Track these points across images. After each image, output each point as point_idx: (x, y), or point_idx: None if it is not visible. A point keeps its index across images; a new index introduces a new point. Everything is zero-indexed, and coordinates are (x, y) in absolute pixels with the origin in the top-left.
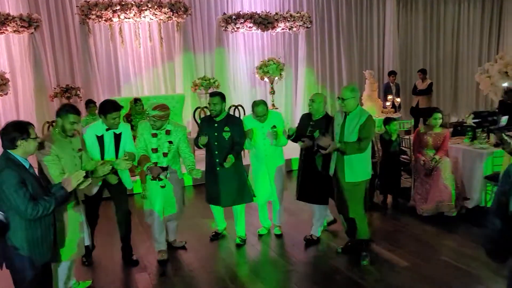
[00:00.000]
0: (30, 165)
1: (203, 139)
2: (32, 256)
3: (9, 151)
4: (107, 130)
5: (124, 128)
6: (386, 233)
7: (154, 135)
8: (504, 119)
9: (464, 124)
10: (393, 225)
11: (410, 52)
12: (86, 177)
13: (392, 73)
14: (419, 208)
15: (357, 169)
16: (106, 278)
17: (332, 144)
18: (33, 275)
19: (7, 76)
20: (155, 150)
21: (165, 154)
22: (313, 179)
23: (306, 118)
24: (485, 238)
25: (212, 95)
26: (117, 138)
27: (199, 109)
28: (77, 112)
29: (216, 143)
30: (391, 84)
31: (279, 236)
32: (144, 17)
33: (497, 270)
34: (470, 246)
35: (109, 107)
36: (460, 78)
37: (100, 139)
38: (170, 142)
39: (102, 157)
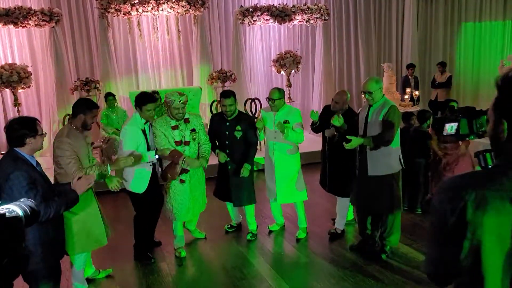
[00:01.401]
0: (37, 163)
1: (222, 157)
2: (44, 255)
3: (16, 149)
4: (145, 123)
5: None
6: (404, 226)
7: (175, 128)
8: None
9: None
10: (411, 218)
11: (429, 44)
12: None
13: (410, 66)
14: None
15: (381, 162)
16: (126, 266)
17: (356, 140)
18: (45, 274)
19: (30, 69)
20: (179, 143)
21: (187, 143)
22: (341, 171)
23: (329, 110)
24: (426, 260)
25: (226, 95)
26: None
27: (215, 102)
28: (97, 107)
29: (227, 142)
30: (410, 77)
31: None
32: (162, 10)
33: None
34: None
35: (145, 99)
36: (482, 71)
37: (143, 133)
38: (193, 130)
39: (148, 150)
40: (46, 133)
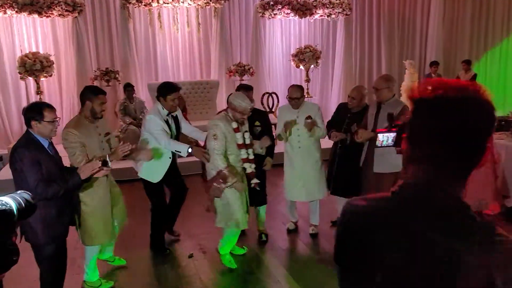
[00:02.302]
0: (50, 143)
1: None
2: (45, 233)
3: (29, 130)
4: (168, 114)
5: (178, 111)
6: None
7: (237, 130)
8: (384, 137)
9: (509, 119)
10: None
11: (455, 42)
12: (104, 165)
13: (434, 64)
14: None
15: (386, 160)
16: (140, 254)
17: (365, 133)
18: (51, 251)
19: (52, 58)
20: (242, 146)
21: (249, 146)
22: (348, 173)
23: (344, 110)
24: None
25: (248, 89)
26: (176, 120)
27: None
28: (104, 92)
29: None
30: (433, 75)
31: (313, 235)
32: (183, 2)
33: None
34: None
35: (168, 89)
36: (509, 70)
37: (167, 124)
38: (246, 132)
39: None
40: (57, 121)
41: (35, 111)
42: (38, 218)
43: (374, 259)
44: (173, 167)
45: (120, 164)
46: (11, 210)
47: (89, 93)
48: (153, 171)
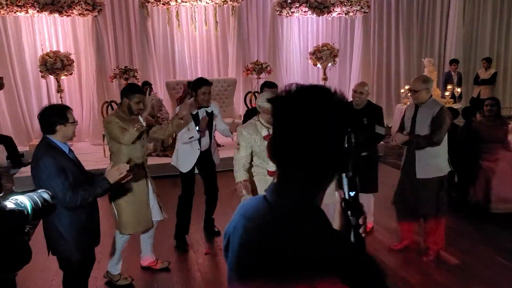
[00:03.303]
0: (70, 150)
1: None
2: (77, 241)
3: (48, 136)
4: (198, 108)
5: (214, 107)
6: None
7: (267, 137)
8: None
9: None
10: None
11: (475, 40)
12: (130, 170)
13: (454, 62)
14: (493, 207)
15: (430, 164)
16: (163, 242)
17: (401, 137)
18: (78, 260)
19: (72, 57)
20: None
21: None
22: (368, 167)
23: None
24: None
25: (271, 86)
26: (210, 117)
27: (250, 94)
28: (141, 92)
29: None
30: (453, 73)
31: None
32: (201, 1)
33: None
34: None
35: (200, 82)
36: None
37: (196, 118)
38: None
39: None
40: (77, 122)
41: (59, 114)
42: (69, 227)
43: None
44: (208, 161)
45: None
46: (21, 211)
47: (128, 91)
48: (182, 160)
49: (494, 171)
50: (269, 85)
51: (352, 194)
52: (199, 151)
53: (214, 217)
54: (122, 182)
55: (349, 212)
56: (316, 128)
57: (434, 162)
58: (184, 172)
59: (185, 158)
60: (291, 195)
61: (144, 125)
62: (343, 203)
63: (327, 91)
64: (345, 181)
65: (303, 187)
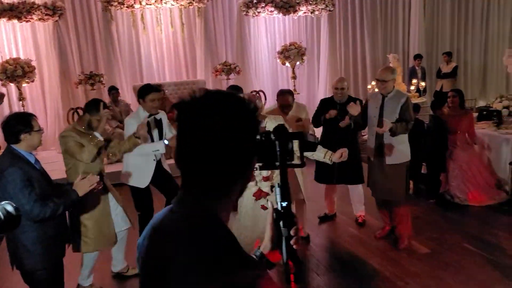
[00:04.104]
0: (36, 160)
1: None
2: (45, 255)
3: (13, 146)
4: (149, 116)
5: (163, 115)
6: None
7: None
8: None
9: (490, 109)
10: (413, 211)
11: (436, 35)
12: (100, 181)
13: (417, 57)
14: (462, 199)
15: (397, 150)
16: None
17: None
18: (45, 274)
19: (34, 63)
20: (266, 179)
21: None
22: (351, 160)
23: (329, 103)
24: None
25: (237, 89)
26: (159, 124)
27: None
28: (107, 107)
29: None
30: (417, 68)
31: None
32: (165, 3)
33: None
34: (493, 234)
35: (147, 89)
36: (489, 61)
37: (149, 126)
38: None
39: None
40: (43, 129)
41: (23, 122)
42: (36, 241)
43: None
44: (161, 170)
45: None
46: None
47: (92, 107)
48: (137, 175)
49: (458, 163)
50: (234, 88)
51: (284, 204)
52: (155, 162)
53: None
54: (92, 192)
55: (281, 223)
56: (218, 134)
57: (401, 148)
58: (142, 187)
59: (140, 171)
60: (190, 204)
61: (102, 139)
62: (274, 214)
63: (234, 98)
64: (277, 191)
65: (203, 195)
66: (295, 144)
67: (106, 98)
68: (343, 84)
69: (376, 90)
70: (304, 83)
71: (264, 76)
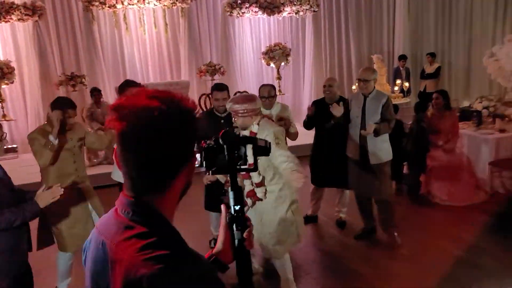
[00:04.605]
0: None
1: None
2: (4, 267)
3: None
4: None
5: None
6: None
7: None
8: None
9: (471, 109)
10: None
11: (421, 35)
12: (65, 192)
13: (402, 58)
14: (442, 201)
15: (379, 149)
16: None
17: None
18: (11, 286)
19: (13, 64)
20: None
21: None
22: (343, 163)
23: (320, 104)
24: None
25: (221, 88)
26: None
27: (204, 96)
28: (74, 107)
29: None
30: (401, 69)
31: None
32: (148, 3)
33: (501, 259)
34: (472, 234)
35: (126, 85)
36: (473, 62)
37: None
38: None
39: None
40: (5, 136)
41: None
42: None
43: None
44: None
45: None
46: None
47: (58, 106)
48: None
49: (438, 163)
50: (219, 87)
51: (237, 208)
52: None
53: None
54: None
55: (234, 226)
56: (155, 133)
57: (383, 147)
58: None
59: None
60: (133, 204)
61: (55, 143)
62: (228, 217)
63: (171, 96)
64: (231, 195)
65: (144, 194)
66: (249, 148)
67: (89, 100)
68: (330, 82)
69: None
70: (289, 84)
71: (249, 77)
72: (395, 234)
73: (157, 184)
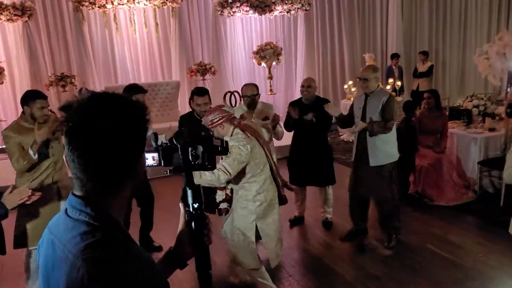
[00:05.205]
0: None
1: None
2: None
3: None
4: None
5: None
6: (373, 221)
7: None
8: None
9: (461, 108)
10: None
11: (414, 34)
12: (35, 194)
13: (395, 56)
14: (433, 199)
15: (381, 151)
16: None
17: (338, 113)
18: None
19: (3, 65)
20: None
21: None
22: (324, 161)
23: (298, 104)
24: None
25: (202, 93)
26: None
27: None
28: (43, 97)
29: None
30: (394, 67)
31: None
32: (138, 3)
33: (484, 260)
34: (457, 234)
35: (133, 89)
36: (467, 60)
37: None
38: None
39: None
40: None
41: None
42: None
43: None
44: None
45: None
46: None
47: (27, 99)
48: None
49: (427, 163)
50: (199, 92)
51: (196, 206)
52: None
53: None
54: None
55: (193, 224)
56: (103, 133)
57: (385, 148)
58: None
59: None
60: (82, 204)
61: (35, 158)
62: (187, 215)
63: (118, 98)
64: (189, 193)
65: (93, 194)
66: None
67: None
68: (309, 82)
69: (353, 89)
70: (281, 83)
71: (241, 77)
72: (394, 236)
73: (104, 183)
